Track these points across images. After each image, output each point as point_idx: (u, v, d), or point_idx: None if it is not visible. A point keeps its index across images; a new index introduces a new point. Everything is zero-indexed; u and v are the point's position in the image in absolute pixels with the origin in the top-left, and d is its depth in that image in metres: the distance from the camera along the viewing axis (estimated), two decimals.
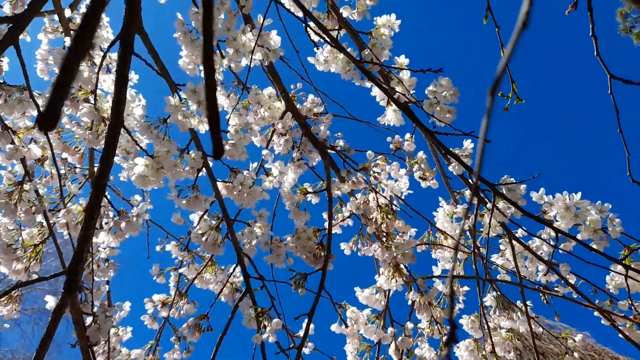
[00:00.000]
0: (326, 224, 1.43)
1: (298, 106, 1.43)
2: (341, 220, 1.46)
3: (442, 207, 1.66)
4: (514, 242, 1.46)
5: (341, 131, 1.50)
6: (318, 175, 1.46)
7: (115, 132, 1.10)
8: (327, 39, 1.19)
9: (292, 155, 1.43)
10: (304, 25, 1.14)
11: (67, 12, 1.50)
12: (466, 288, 1.69)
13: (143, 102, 1.72)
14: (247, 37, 1.31)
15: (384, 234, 1.42)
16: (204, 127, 1.12)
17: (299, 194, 1.35)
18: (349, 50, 1.39)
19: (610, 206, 1.29)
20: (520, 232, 1.55)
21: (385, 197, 1.44)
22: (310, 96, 1.45)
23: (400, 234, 1.46)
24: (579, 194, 1.33)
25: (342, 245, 1.46)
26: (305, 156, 1.44)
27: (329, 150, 1.44)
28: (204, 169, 1.33)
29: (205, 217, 1.41)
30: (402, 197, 1.56)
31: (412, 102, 1.43)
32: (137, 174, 1.10)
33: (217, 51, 1.39)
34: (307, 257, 1.32)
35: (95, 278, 1.36)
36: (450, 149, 1.42)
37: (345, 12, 1.20)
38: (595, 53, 0.93)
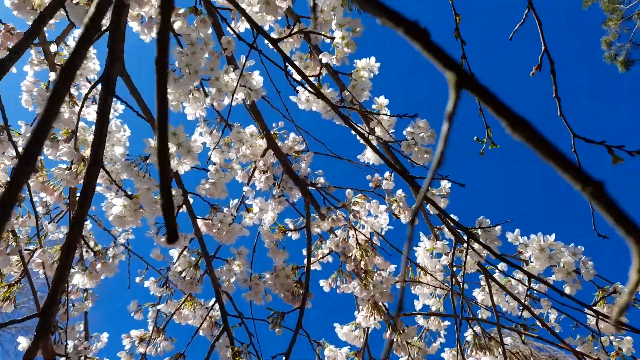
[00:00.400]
0: (306, 262, 1.43)
1: (280, 144, 1.45)
2: (321, 257, 1.47)
3: (422, 242, 1.68)
4: (491, 280, 1.48)
5: (322, 168, 1.53)
6: (298, 211, 1.47)
7: (94, 173, 1.11)
8: (307, 86, 1.22)
9: (272, 192, 1.45)
10: (284, 72, 1.17)
11: (53, 47, 1.52)
12: (447, 323, 1.70)
13: (128, 132, 1.73)
14: (229, 77, 1.34)
15: (363, 271, 1.43)
16: (183, 168, 1.13)
17: (277, 232, 1.37)
18: (329, 90, 1.42)
19: (583, 249, 1.31)
20: (501, 267, 1.57)
21: (364, 234, 1.45)
22: (292, 134, 1.47)
23: (379, 270, 1.47)
24: (553, 235, 1.36)
25: (322, 282, 1.46)
26: (286, 193, 1.45)
27: (309, 188, 1.45)
28: (184, 205, 1.34)
29: (184, 252, 1.41)
30: (382, 234, 1.57)
31: (391, 141, 1.46)
32: (114, 214, 1.10)
33: (201, 89, 1.42)
34: (285, 295, 1.32)
35: (72, 314, 1.35)
36: (443, 177, 1.45)
37: (324, 58, 1.23)
38: (558, 113, 0.97)
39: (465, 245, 1.48)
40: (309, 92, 1.15)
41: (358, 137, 1.52)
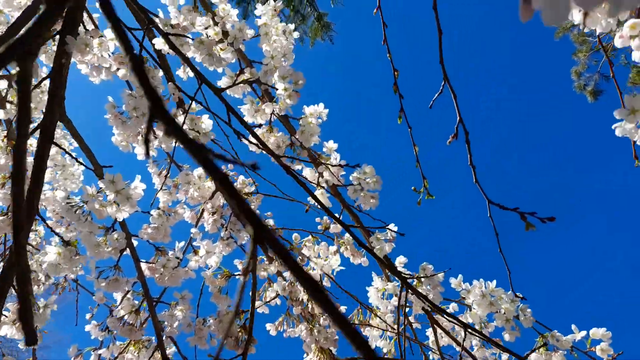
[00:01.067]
0: (250, 307, 1.42)
1: None
2: (268, 301, 1.47)
3: (374, 283, 1.69)
4: (436, 325, 1.49)
5: (273, 210, 1.53)
6: (246, 252, 1.47)
7: (29, 218, 1.09)
8: (249, 138, 1.23)
9: (221, 234, 1.44)
10: (226, 122, 1.18)
11: None
12: None
13: (81, 168, 1.70)
14: (178, 121, 1.34)
15: (310, 315, 1.43)
16: (122, 215, 1.12)
17: (220, 277, 1.36)
18: (279, 134, 1.44)
19: (521, 296, 1.34)
20: (451, 308, 1.59)
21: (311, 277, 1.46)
22: (241, 176, 1.48)
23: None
24: (494, 282, 1.39)
25: (268, 326, 1.45)
26: (235, 235, 1.45)
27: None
28: (127, 249, 1.32)
29: (128, 295, 1.39)
30: (333, 275, 1.58)
31: (339, 185, 1.48)
32: (48, 262, 1.08)
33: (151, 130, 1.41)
34: (227, 342, 1.30)
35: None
36: (375, 232, 1.46)
37: (268, 109, 1.25)
38: (474, 180, 1.01)
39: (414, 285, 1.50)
40: (250, 142, 1.16)
41: (309, 179, 1.54)
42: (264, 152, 1.15)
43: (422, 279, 1.36)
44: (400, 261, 1.58)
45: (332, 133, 1.45)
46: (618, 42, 0.74)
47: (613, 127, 0.77)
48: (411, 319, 1.73)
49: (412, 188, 1.25)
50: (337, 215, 1.50)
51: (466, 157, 0.98)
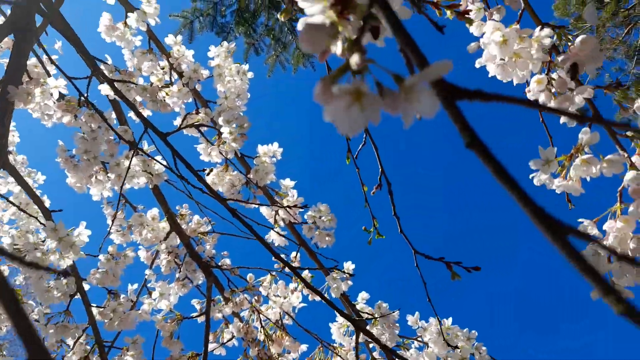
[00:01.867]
0: (203, 350, 1.40)
1: (184, 226, 1.45)
2: (224, 342, 1.44)
3: (337, 320, 1.67)
4: None
5: (230, 249, 1.52)
6: (203, 293, 1.45)
7: None
8: (201, 186, 1.23)
9: (176, 275, 1.43)
10: (171, 168, 1.19)
11: None
12: None
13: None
14: (131, 163, 1.34)
15: (267, 356, 1.41)
16: (65, 263, 1.11)
17: (170, 322, 1.34)
18: (235, 173, 1.44)
19: (477, 334, 1.33)
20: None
21: (268, 317, 1.44)
22: (196, 216, 1.47)
23: (285, 354, 1.45)
24: (450, 319, 1.38)
25: None
26: (190, 275, 1.43)
27: (213, 269, 1.44)
28: (78, 293, 1.31)
29: (81, 340, 1.37)
30: (293, 313, 1.56)
31: (296, 222, 1.48)
32: None
33: (103, 172, 1.41)
34: None
35: None
36: (332, 267, 1.46)
37: (214, 152, 1.26)
38: (399, 230, 1.01)
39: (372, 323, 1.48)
40: (194, 187, 1.16)
41: (267, 217, 1.53)
42: (210, 195, 1.15)
43: (379, 318, 1.35)
44: (362, 297, 1.57)
45: (290, 169, 1.45)
46: (530, 97, 0.75)
47: (530, 177, 0.78)
48: (375, 354, 1.71)
49: (363, 228, 1.25)
50: (294, 252, 1.50)
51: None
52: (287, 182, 1.48)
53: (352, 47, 0.31)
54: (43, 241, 1.10)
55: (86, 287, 1.34)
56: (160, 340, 1.44)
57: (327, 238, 1.42)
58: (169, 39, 1.44)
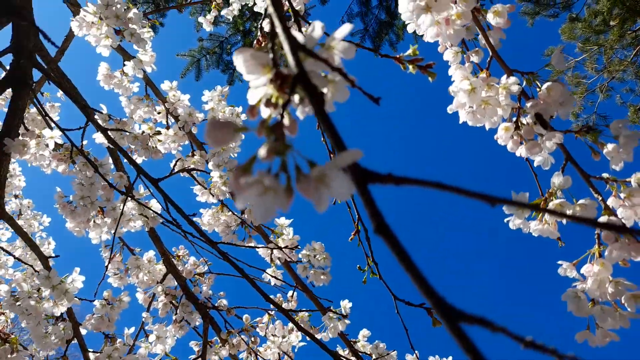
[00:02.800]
0: None
1: (180, 267, 1.47)
2: None
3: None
4: None
5: (228, 289, 1.53)
6: (200, 335, 1.45)
7: None
8: (190, 234, 1.25)
9: (173, 318, 1.43)
10: (165, 210, 1.21)
11: None
12: None
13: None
14: (127, 207, 1.37)
15: None
16: (59, 310, 1.13)
17: None
18: (229, 214, 1.46)
19: None
20: None
21: (263, 358, 1.43)
22: (192, 258, 1.49)
23: None
24: (450, 358, 1.35)
25: None
26: (187, 317, 1.44)
27: (210, 310, 1.45)
28: (75, 338, 1.32)
29: None
30: (293, 353, 1.55)
31: (291, 261, 1.48)
32: None
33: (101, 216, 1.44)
34: None
35: None
36: (327, 308, 1.45)
37: (203, 197, 1.29)
38: (378, 277, 1.02)
39: None
40: (186, 232, 1.18)
41: (263, 255, 1.54)
42: (202, 240, 1.17)
43: (374, 356, 1.34)
44: (363, 335, 1.56)
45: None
46: (500, 143, 0.77)
47: (505, 221, 0.78)
48: None
49: (357, 267, 1.25)
50: (291, 292, 1.50)
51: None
52: (282, 221, 1.49)
53: (269, 132, 0.33)
54: (38, 289, 1.12)
55: (83, 331, 1.35)
56: None
57: (322, 277, 1.42)
58: (165, 85, 1.49)
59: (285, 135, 0.34)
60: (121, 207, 1.36)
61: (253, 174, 0.30)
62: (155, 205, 1.39)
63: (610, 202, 0.76)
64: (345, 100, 0.53)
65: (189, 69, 4.35)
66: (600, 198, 0.76)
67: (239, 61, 0.46)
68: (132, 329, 1.40)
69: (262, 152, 0.31)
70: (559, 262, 0.80)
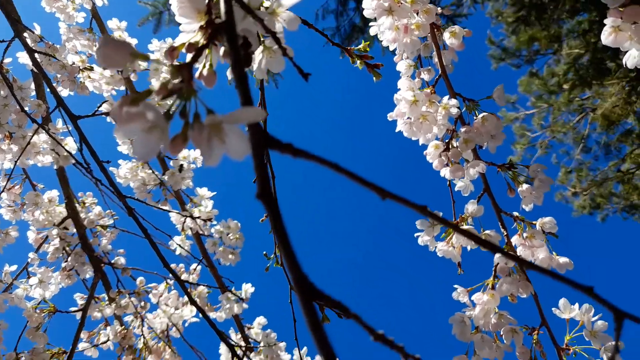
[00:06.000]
0: (80, 345, 1.32)
1: (82, 215, 1.37)
2: (100, 343, 1.36)
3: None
4: None
5: (130, 249, 1.46)
6: (87, 288, 1.37)
7: None
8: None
9: (62, 265, 1.34)
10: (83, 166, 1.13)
11: None
12: None
13: None
14: (39, 139, 1.27)
15: None
16: None
17: (39, 313, 1.25)
18: (149, 172, 1.39)
19: None
20: None
21: (150, 325, 1.38)
22: (98, 207, 1.40)
23: None
24: None
25: None
26: (78, 267, 1.35)
27: (104, 266, 1.37)
28: None
29: None
30: (183, 327, 1.50)
31: (202, 234, 1.44)
32: None
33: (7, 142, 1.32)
34: None
35: None
36: (230, 289, 1.42)
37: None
38: (280, 265, 1.02)
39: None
40: (95, 178, 1.10)
41: (175, 222, 1.48)
42: (111, 190, 1.09)
43: (262, 347, 1.32)
44: (259, 322, 1.54)
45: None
46: (428, 159, 0.78)
47: (415, 235, 0.79)
48: None
49: (264, 253, 1.22)
50: (195, 265, 1.45)
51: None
52: (204, 192, 1.44)
53: (175, 73, 0.30)
54: None
55: None
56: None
57: (230, 256, 1.39)
58: (113, 23, 1.40)
59: (193, 80, 0.31)
60: (31, 137, 1.26)
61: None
62: (70, 143, 1.30)
63: (514, 239, 0.79)
64: (279, 70, 0.50)
65: (149, 19, 4.13)
66: (505, 233, 0.79)
67: (175, 2, 0.42)
68: (14, 267, 1.29)
69: (156, 85, 0.28)
70: (455, 285, 0.82)
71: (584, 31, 5.07)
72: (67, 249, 1.35)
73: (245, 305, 1.41)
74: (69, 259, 1.33)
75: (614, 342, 0.74)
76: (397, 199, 0.29)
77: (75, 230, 1.36)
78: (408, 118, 0.78)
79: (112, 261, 1.38)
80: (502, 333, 0.76)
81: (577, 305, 0.77)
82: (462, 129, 0.76)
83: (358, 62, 0.75)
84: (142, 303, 1.36)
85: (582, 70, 5.17)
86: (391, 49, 0.89)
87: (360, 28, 4.88)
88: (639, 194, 5.34)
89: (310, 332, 0.23)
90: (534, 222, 0.80)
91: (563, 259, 0.78)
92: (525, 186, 0.75)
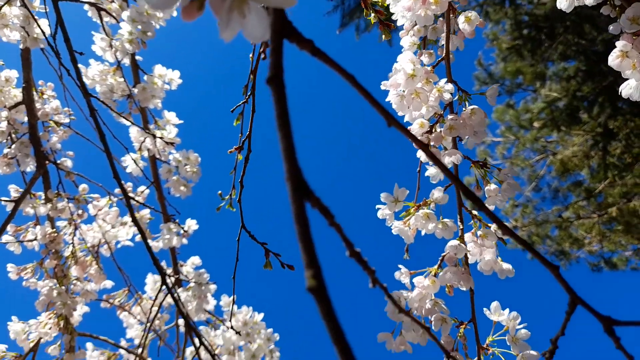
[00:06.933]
0: (4, 237, 1.26)
1: (38, 105, 1.29)
2: (23, 240, 1.30)
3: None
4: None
5: (80, 153, 1.39)
6: (25, 182, 1.30)
7: None
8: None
9: (4, 151, 1.26)
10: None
11: None
12: None
13: None
14: (10, 11, 1.17)
15: (63, 274, 1.29)
16: None
17: None
18: (121, 80, 1.32)
19: (278, 338, 1.34)
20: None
21: (82, 235, 1.33)
22: (57, 102, 1.32)
23: (84, 280, 1.35)
24: (262, 315, 1.37)
25: (9, 267, 1.28)
26: (20, 158, 1.28)
27: (48, 164, 1.30)
28: None
29: None
30: (115, 247, 1.46)
31: (158, 159, 1.39)
32: None
33: None
34: None
35: None
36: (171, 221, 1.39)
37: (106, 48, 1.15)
38: (237, 201, 1.01)
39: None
40: (63, 66, 1.04)
41: (133, 140, 1.42)
42: (76, 83, 1.03)
43: (193, 283, 1.31)
44: (193, 262, 1.52)
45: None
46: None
47: (376, 207, 0.80)
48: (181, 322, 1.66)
49: (219, 193, 1.20)
50: (143, 187, 1.41)
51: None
52: (171, 116, 1.39)
53: None
54: None
55: None
56: None
57: (182, 188, 1.35)
58: None
59: None
60: (1, 5, 1.16)
61: None
62: (44, 25, 1.21)
63: (467, 235, 0.80)
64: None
65: None
66: (461, 227, 0.80)
67: None
68: None
69: None
70: (400, 265, 0.83)
71: (568, 77, 5.21)
72: (13, 136, 1.27)
73: (184, 241, 1.39)
74: (13, 146, 1.25)
75: (531, 352, 0.77)
76: (402, 130, 0.28)
77: (26, 119, 1.27)
78: (402, 90, 0.77)
79: (58, 161, 1.31)
80: (432, 319, 0.78)
81: (507, 310, 0.80)
82: (450, 116, 0.77)
83: (372, 14, 0.74)
84: (80, 211, 1.31)
85: (556, 113, 5.33)
86: (400, 22, 0.88)
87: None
88: (571, 243, 5.59)
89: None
90: (489, 224, 0.82)
91: (506, 265, 0.80)
92: (493, 186, 0.76)
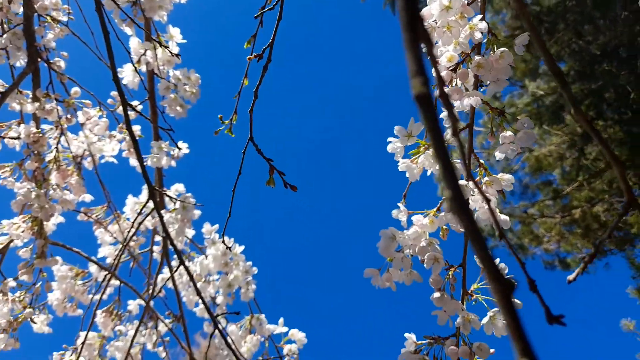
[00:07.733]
0: None
1: None
2: (4, 137, 1.24)
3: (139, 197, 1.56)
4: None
5: (76, 56, 1.32)
6: (13, 77, 1.23)
7: None
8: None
9: None
10: None
11: None
12: None
13: None
14: None
15: (43, 178, 1.25)
16: None
17: None
18: None
19: (256, 271, 1.34)
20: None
21: (68, 142, 1.28)
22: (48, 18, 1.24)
23: (63, 189, 1.31)
24: (242, 247, 1.37)
25: None
26: (11, 49, 1.21)
27: (41, 61, 1.23)
28: None
29: None
30: (99, 161, 1.42)
31: (157, 75, 1.34)
32: None
33: None
34: None
35: None
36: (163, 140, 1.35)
37: None
38: (249, 110, 0.98)
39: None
40: None
41: (132, 51, 1.36)
42: None
43: (178, 205, 1.28)
44: (177, 189, 1.49)
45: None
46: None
47: (387, 139, 0.78)
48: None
49: (219, 116, 1.16)
50: (138, 101, 1.36)
51: None
52: (176, 32, 1.33)
53: None
54: None
55: None
56: None
57: (178, 108, 1.31)
58: None
59: None
60: None
61: None
62: None
63: (471, 182, 0.80)
64: None
65: None
66: (467, 172, 0.80)
67: None
68: None
69: None
70: (399, 203, 0.83)
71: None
72: (6, 25, 1.20)
73: (173, 163, 1.35)
74: (4, 36, 1.18)
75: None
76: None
77: (22, 10, 1.20)
78: (434, 21, 0.74)
79: (52, 60, 1.25)
80: (425, 258, 0.79)
81: (497, 259, 0.81)
82: (477, 57, 0.75)
83: None
84: (68, 115, 1.25)
85: (541, 109, 5.38)
86: None
87: None
88: (531, 239, 5.75)
89: (404, 36, 0.20)
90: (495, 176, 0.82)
91: (504, 216, 0.81)
92: (508, 133, 0.75)
